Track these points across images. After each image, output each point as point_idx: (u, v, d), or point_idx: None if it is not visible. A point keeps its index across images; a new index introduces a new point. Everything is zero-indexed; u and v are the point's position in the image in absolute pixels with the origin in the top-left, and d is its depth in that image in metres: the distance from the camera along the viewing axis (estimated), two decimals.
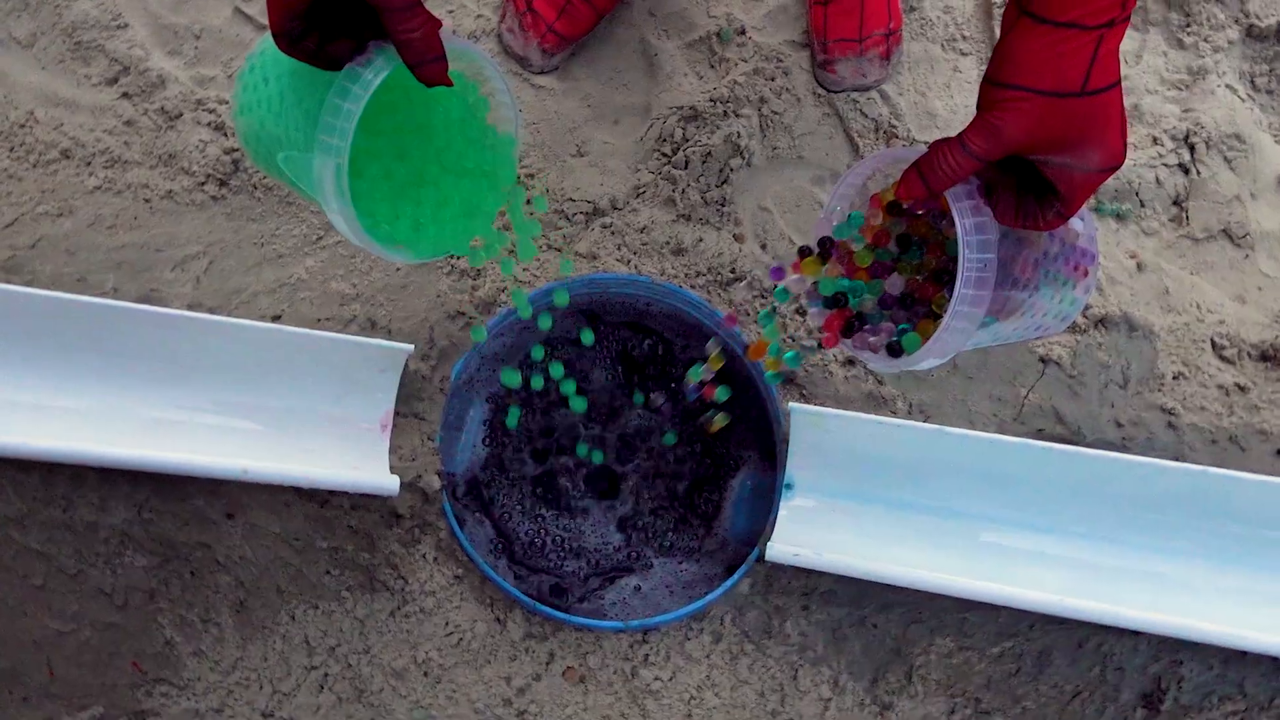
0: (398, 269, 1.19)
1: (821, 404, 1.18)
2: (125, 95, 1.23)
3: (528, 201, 1.19)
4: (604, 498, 1.20)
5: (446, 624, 1.13)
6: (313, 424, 1.11)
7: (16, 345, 1.04)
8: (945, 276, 0.85)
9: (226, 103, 1.23)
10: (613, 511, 1.20)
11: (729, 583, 1.12)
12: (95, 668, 1.07)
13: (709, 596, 1.12)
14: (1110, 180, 1.28)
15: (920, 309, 0.86)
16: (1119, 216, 1.29)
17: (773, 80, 1.29)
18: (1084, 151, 0.70)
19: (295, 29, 0.70)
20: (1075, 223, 0.83)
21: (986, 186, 0.75)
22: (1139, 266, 1.27)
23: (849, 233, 0.88)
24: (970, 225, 0.74)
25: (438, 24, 0.71)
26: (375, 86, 0.71)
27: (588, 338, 1.17)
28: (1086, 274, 0.85)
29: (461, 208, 0.84)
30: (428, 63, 0.71)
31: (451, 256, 1.20)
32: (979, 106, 0.71)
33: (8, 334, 1.04)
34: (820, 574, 1.13)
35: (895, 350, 0.84)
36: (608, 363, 1.23)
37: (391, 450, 1.12)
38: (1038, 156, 0.71)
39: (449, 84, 0.73)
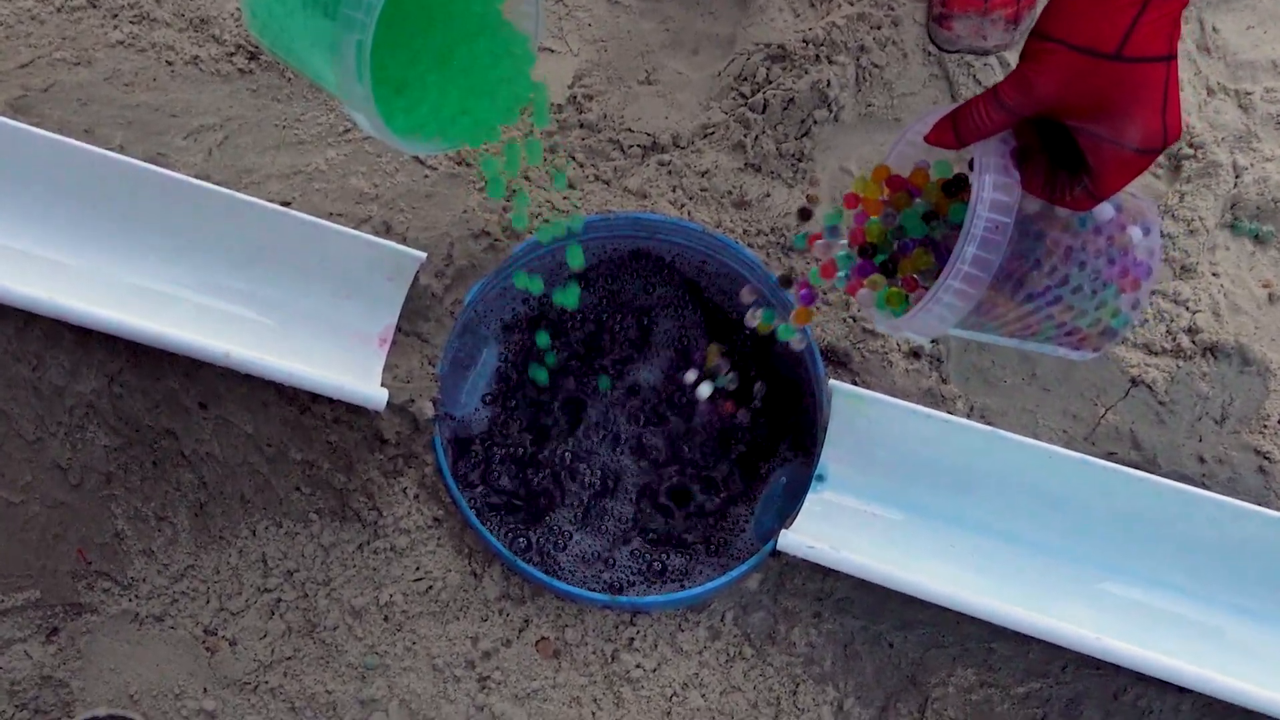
0: (426, 175, 1.30)
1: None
2: None
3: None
4: (611, 492, 1.29)
5: (417, 568, 1.22)
6: (306, 322, 1.21)
7: (10, 186, 1.17)
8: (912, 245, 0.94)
9: None
10: (617, 513, 1.28)
11: (735, 572, 1.18)
12: (39, 548, 1.18)
13: (711, 584, 1.18)
14: (1254, 195, 1.35)
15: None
16: (1257, 238, 1.36)
17: (878, 29, 1.37)
18: (1117, 123, 0.78)
19: None
20: (1135, 231, 0.90)
21: (1022, 152, 0.84)
22: (1270, 298, 1.32)
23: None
24: (988, 182, 0.81)
25: None
26: None
27: (572, 299, 1.19)
28: (1137, 285, 0.91)
29: (469, 102, 0.93)
30: None
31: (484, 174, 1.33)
32: (1019, 58, 0.81)
33: (4, 172, 1.17)
34: (837, 578, 1.20)
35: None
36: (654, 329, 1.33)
37: (386, 368, 1.21)
38: (1072, 122, 0.79)
39: None
